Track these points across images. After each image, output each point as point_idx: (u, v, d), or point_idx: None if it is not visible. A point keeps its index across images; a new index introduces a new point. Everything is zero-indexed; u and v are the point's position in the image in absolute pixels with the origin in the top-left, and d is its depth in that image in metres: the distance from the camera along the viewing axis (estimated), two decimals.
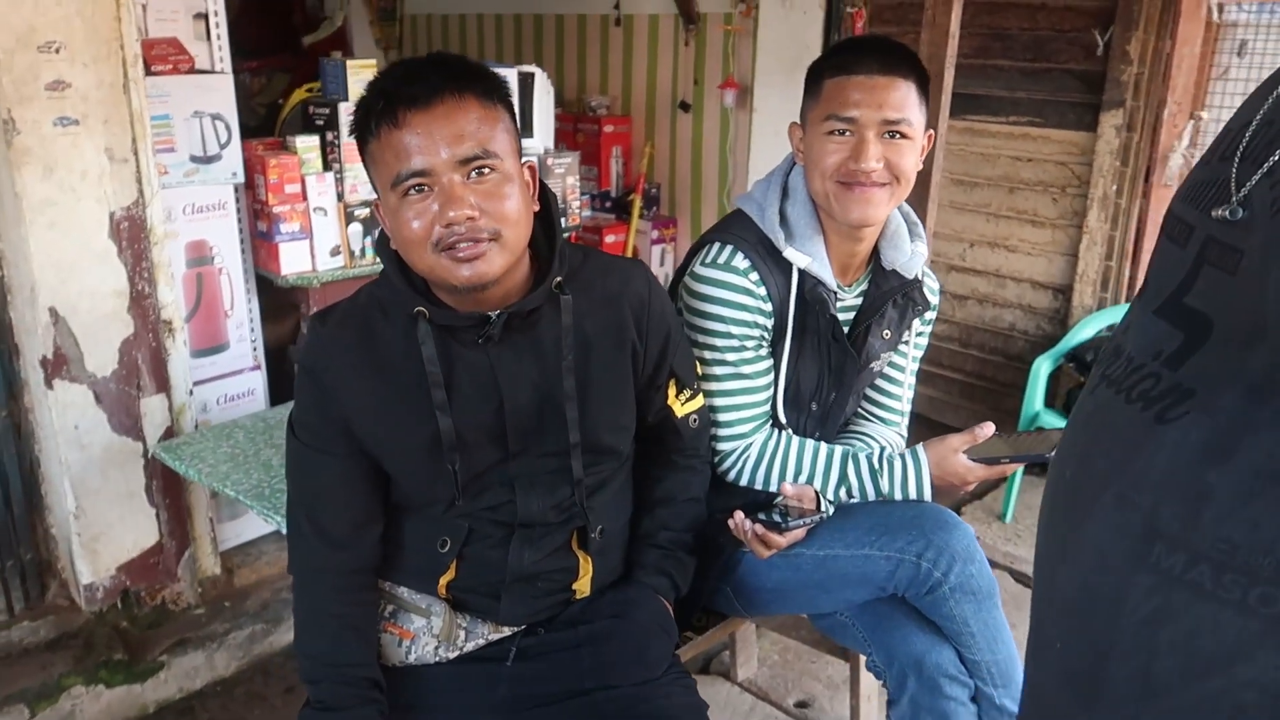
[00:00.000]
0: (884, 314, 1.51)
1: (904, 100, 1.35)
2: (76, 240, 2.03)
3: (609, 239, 4.14)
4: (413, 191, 1.13)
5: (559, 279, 1.23)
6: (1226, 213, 0.57)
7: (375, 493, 1.26)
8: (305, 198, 2.50)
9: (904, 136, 1.36)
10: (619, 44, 4.39)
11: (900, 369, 1.64)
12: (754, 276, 1.43)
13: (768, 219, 1.45)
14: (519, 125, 1.23)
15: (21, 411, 2.17)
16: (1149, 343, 0.61)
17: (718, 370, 1.45)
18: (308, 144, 2.51)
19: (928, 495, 1.45)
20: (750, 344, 1.45)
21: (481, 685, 1.29)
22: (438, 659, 1.29)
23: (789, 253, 1.43)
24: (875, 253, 1.51)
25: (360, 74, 2.55)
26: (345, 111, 2.51)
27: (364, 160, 1.19)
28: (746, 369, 1.46)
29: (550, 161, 3.06)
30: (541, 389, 1.23)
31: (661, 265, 4.28)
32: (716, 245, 1.46)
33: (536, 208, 1.22)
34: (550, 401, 1.23)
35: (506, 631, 1.31)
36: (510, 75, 2.95)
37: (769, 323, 1.45)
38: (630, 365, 1.30)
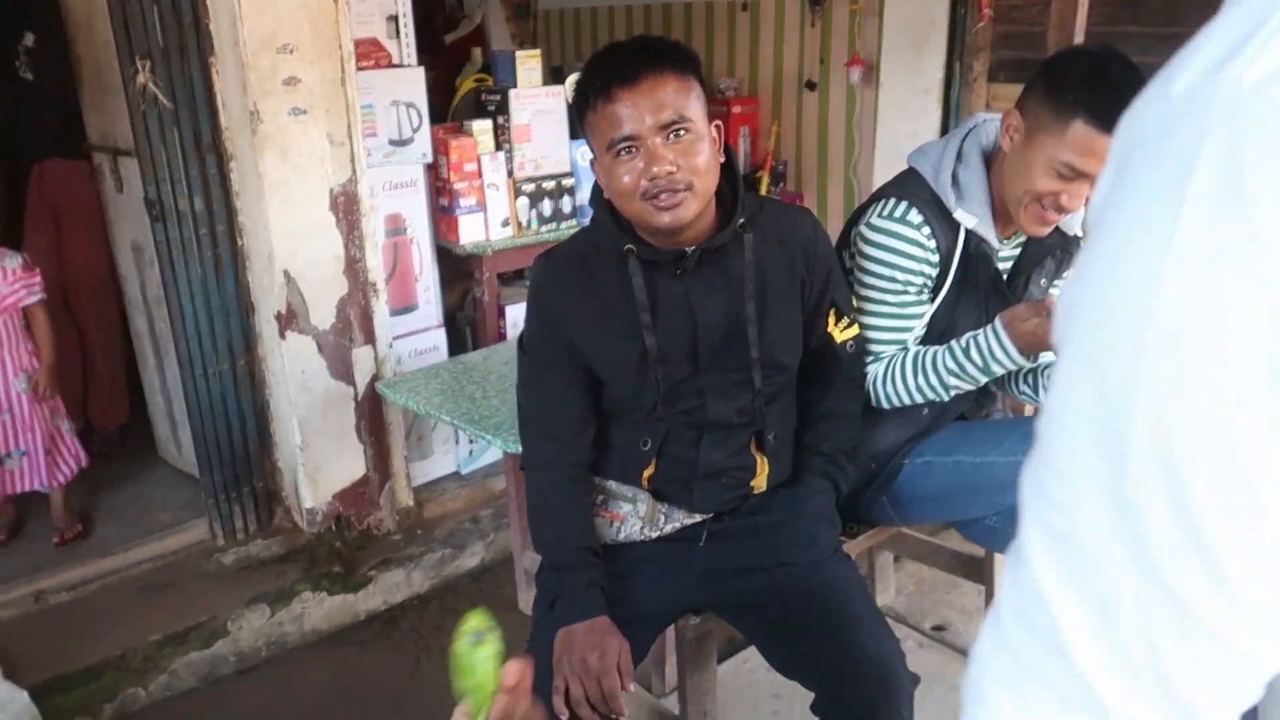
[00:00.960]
0: (1043, 266, 1.70)
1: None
2: (304, 213, 2.38)
3: None
4: (623, 153, 1.39)
5: (742, 220, 1.48)
6: None
7: (591, 399, 1.54)
8: (480, 175, 2.82)
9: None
10: (745, 29, 4.60)
11: None
12: (925, 230, 1.63)
13: (940, 181, 1.64)
14: None
15: (255, 361, 2.55)
16: None
17: (877, 308, 1.68)
18: (482, 127, 2.82)
19: (1011, 348, 1.57)
20: (913, 289, 1.66)
21: (680, 559, 1.55)
22: (643, 537, 1.56)
23: (959, 214, 1.62)
24: None
25: (528, 63, 2.87)
26: (515, 97, 2.83)
27: (583, 128, 1.45)
28: (905, 310, 1.67)
29: None
30: (728, 313, 1.48)
31: None
32: (893, 201, 1.66)
33: (722, 159, 1.47)
34: (735, 323, 1.49)
35: (698, 518, 1.57)
36: None
37: (934, 273, 1.65)
38: (800, 295, 1.54)
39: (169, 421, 3.00)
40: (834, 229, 4.85)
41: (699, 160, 1.39)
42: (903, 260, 1.64)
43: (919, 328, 1.70)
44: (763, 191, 4.41)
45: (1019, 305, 1.59)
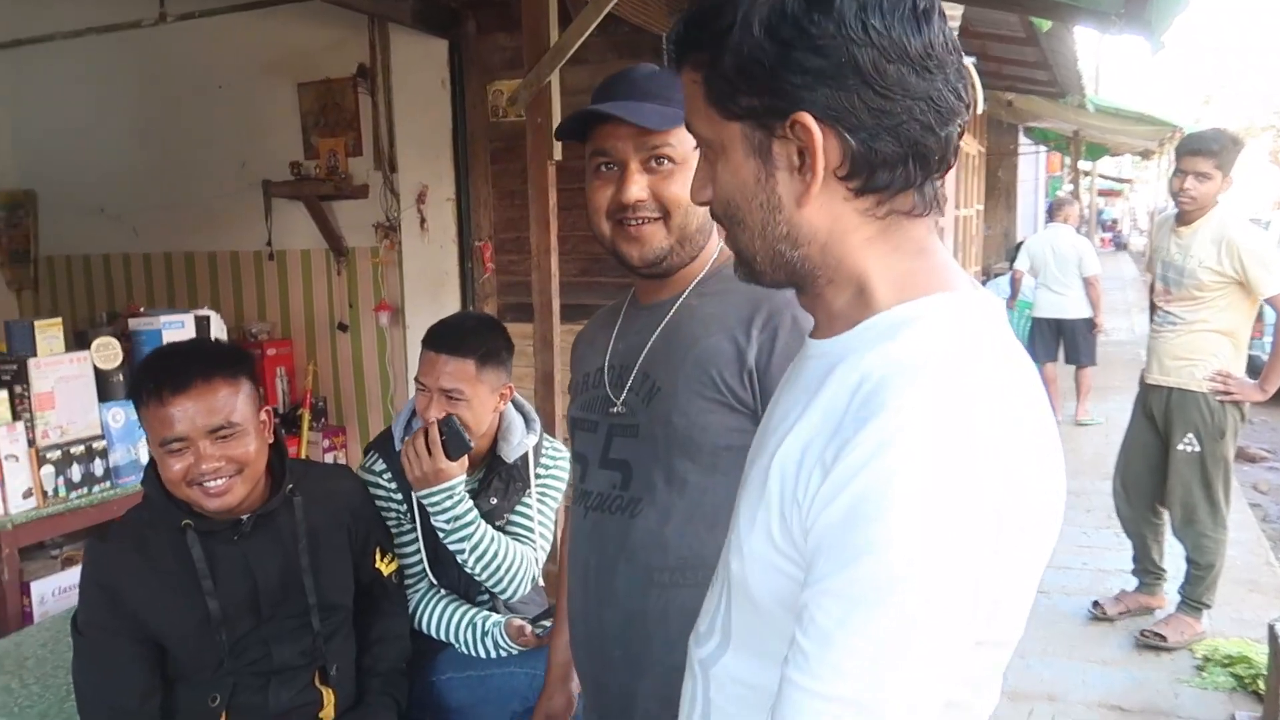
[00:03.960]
0: (491, 486, 2.04)
1: (460, 373, 1.91)
2: None
3: None
4: (174, 448, 1.58)
5: (290, 486, 1.72)
6: (617, 409, 1.27)
7: (156, 668, 1.62)
8: None
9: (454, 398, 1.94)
10: (274, 275, 4.86)
11: (527, 518, 2.12)
12: (386, 475, 1.99)
13: (397, 431, 2.03)
14: None
15: None
16: (605, 483, 1.28)
17: (395, 541, 2.00)
18: None
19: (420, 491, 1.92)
20: (391, 519, 2.00)
21: None
22: None
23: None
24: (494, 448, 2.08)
25: (48, 331, 2.85)
26: (35, 366, 2.78)
27: (139, 417, 1.62)
28: (401, 539, 2.01)
29: None
30: (285, 567, 1.69)
31: None
32: (369, 453, 2.05)
33: (271, 440, 1.71)
34: (292, 575, 1.70)
35: None
36: (187, 320, 3.35)
37: (403, 506, 2.00)
38: (348, 541, 1.80)
39: None
40: None
41: (245, 452, 1.61)
42: (380, 501, 2.00)
43: (415, 555, 2.03)
44: (305, 428, 4.58)
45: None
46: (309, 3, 4.05)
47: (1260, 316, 3.86)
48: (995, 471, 0.67)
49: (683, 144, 1.25)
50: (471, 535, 1.94)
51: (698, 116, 0.79)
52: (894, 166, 0.74)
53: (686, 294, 1.33)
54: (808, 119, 0.72)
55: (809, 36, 0.71)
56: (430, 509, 1.92)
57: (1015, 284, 7.09)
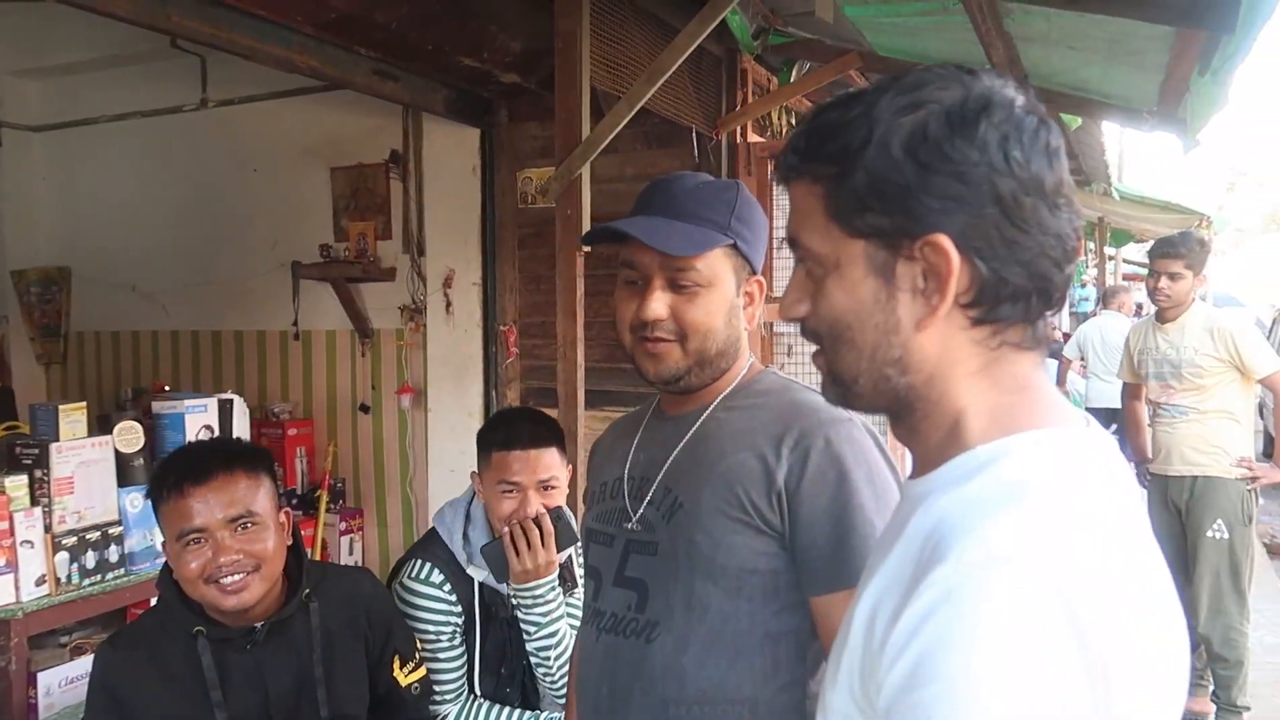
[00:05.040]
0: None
1: (551, 462, 1.91)
2: None
3: None
4: (192, 543, 1.54)
5: (307, 591, 1.67)
6: (633, 525, 1.22)
7: None
8: (12, 533, 2.66)
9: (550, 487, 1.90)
10: (299, 356, 4.87)
11: (576, 617, 2.11)
12: (446, 587, 1.92)
13: (455, 542, 1.95)
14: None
15: None
16: (620, 604, 1.22)
17: (428, 654, 1.91)
18: (16, 483, 2.69)
19: (516, 590, 1.89)
20: (444, 637, 1.92)
21: None
22: None
23: (471, 569, 1.94)
24: None
25: (71, 415, 2.83)
26: (57, 450, 2.76)
27: (156, 513, 1.58)
28: (444, 653, 1.93)
29: None
30: (299, 676, 1.63)
31: (350, 554, 4.59)
32: (418, 563, 1.95)
33: (289, 542, 1.67)
34: (306, 685, 1.63)
35: None
36: (210, 404, 3.33)
37: (460, 620, 1.93)
38: (364, 648, 1.73)
39: None
40: (395, 540, 5.09)
41: (264, 547, 1.57)
42: (431, 615, 1.92)
43: (459, 669, 1.95)
44: (323, 509, 4.52)
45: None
46: (345, 91, 4.13)
47: None
48: (1093, 626, 0.60)
49: (710, 268, 1.24)
50: (557, 630, 1.92)
51: (812, 230, 0.77)
52: (1018, 300, 0.73)
53: (714, 406, 1.29)
54: (946, 242, 0.71)
55: (950, 161, 0.70)
56: (529, 604, 1.90)
57: (1062, 373, 7.01)
